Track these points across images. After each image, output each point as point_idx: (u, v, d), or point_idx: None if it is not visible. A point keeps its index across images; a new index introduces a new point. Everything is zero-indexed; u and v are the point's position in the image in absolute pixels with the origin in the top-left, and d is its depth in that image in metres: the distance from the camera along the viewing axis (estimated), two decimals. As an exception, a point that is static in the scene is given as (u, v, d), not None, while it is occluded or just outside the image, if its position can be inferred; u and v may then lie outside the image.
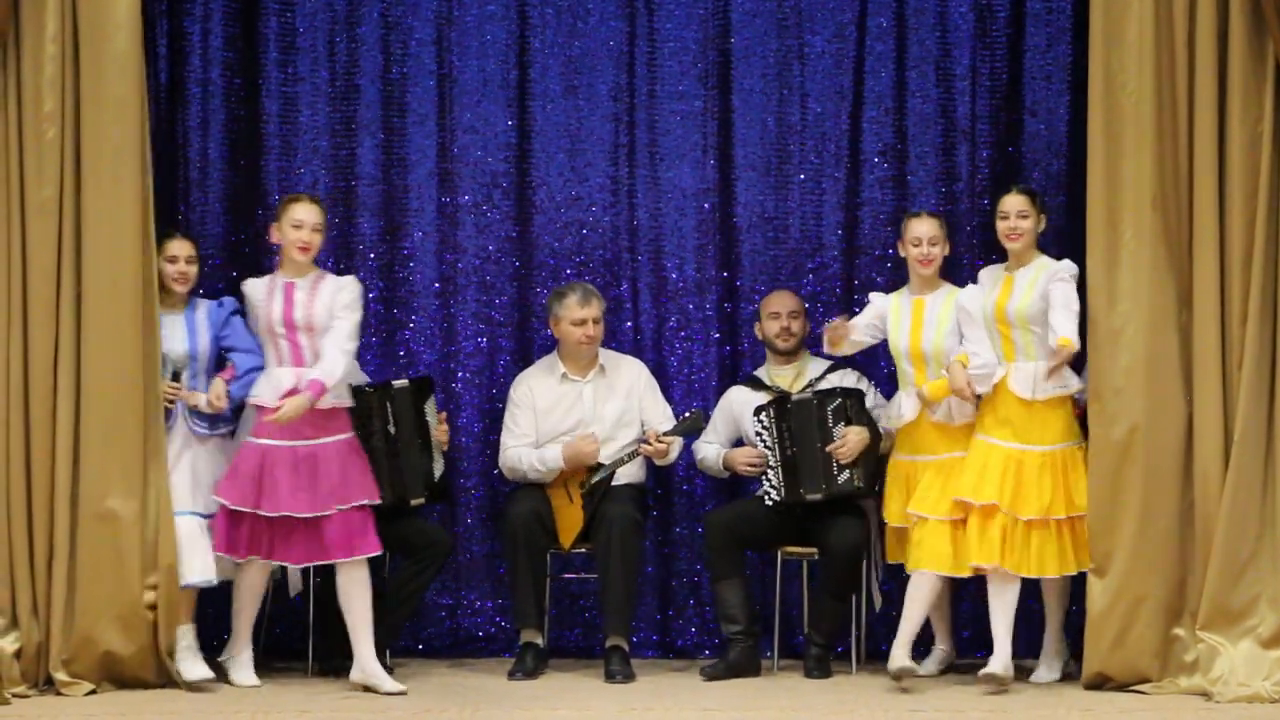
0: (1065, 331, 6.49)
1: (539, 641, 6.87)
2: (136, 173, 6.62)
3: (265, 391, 6.66)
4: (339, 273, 7.06)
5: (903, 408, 6.74)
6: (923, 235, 6.76)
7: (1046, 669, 6.78)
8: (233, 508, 6.57)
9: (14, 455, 6.60)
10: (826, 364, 7.13)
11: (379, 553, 6.67)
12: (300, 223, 6.74)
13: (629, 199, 7.61)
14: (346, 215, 7.50)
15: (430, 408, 6.90)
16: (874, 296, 6.92)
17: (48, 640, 6.58)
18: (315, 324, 6.71)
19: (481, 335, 7.50)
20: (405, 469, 6.85)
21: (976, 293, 6.72)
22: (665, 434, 6.97)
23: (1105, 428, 6.45)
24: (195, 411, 6.69)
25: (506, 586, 7.12)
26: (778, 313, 7.21)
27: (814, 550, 7.04)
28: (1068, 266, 6.62)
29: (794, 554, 7.13)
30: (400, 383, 7.02)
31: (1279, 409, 6.52)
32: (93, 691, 6.52)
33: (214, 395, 6.67)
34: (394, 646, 7.05)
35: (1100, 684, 6.42)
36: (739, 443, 7.19)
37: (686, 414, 7.06)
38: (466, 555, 7.43)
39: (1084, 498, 6.53)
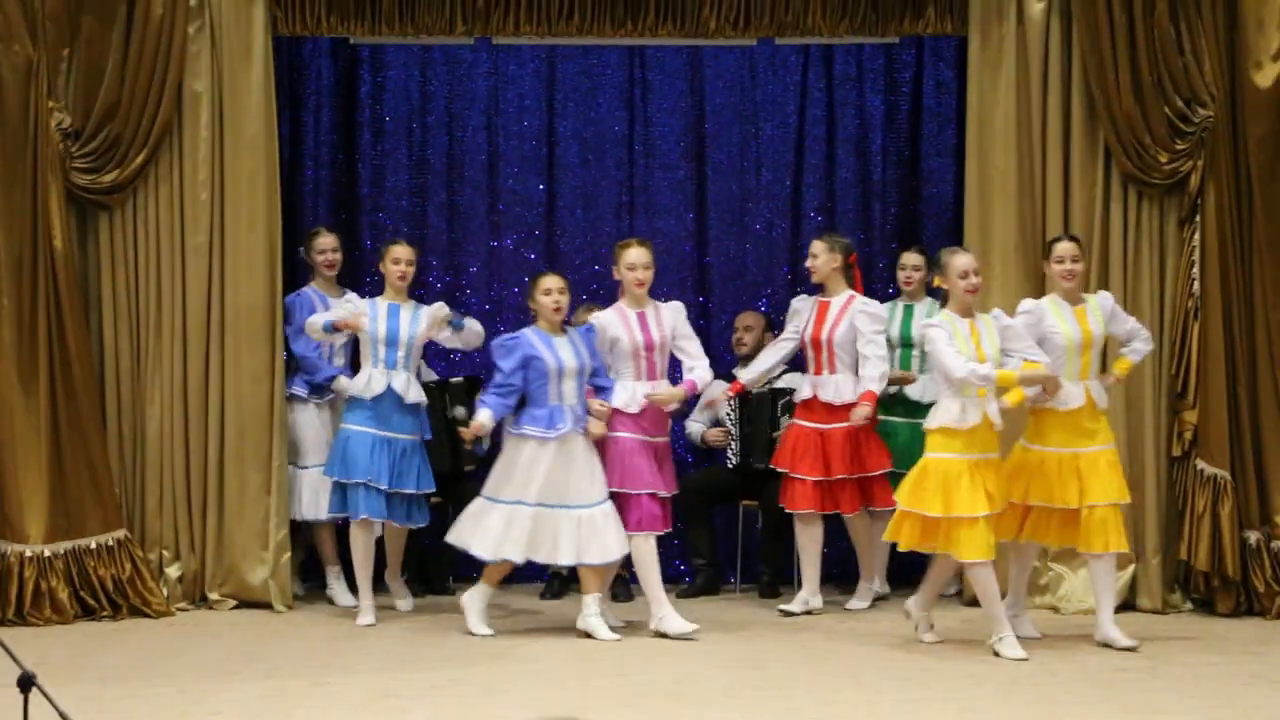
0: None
1: (563, 572, 7.47)
2: (267, 225, 7.27)
3: (620, 399, 6.82)
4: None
5: (992, 413, 6.37)
6: (968, 267, 6.39)
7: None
8: (644, 493, 6.70)
9: (177, 441, 7.38)
10: (783, 367, 7.70)
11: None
12: (634, 264, 6.80)
13: (629, 244, 7.51)
14: (421, 255, 7.73)
15: (476, 398, 7.12)
16: (938, 319, 6.33)
17: (203, 569, 7.41)
18: (666, 345, 6.87)
19: (520, 345, 7.07)
20: (460, 443, 7.31)
21: (1006, 315, 6.52)
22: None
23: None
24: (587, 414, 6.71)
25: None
26: (736, 327, 8.01)
27: (757, 503, 7.79)
28: (1111, 295, 6.69)
29: (750, 506, 7.86)
30: (456, 380, 7.73)
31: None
32: (236, 607, 7.35)
33: (637, 403, 6.77)
34: (456, 575, 7.74)
35: (975, 602, 6.89)
36: (717, 422, 7.87)
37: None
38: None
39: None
